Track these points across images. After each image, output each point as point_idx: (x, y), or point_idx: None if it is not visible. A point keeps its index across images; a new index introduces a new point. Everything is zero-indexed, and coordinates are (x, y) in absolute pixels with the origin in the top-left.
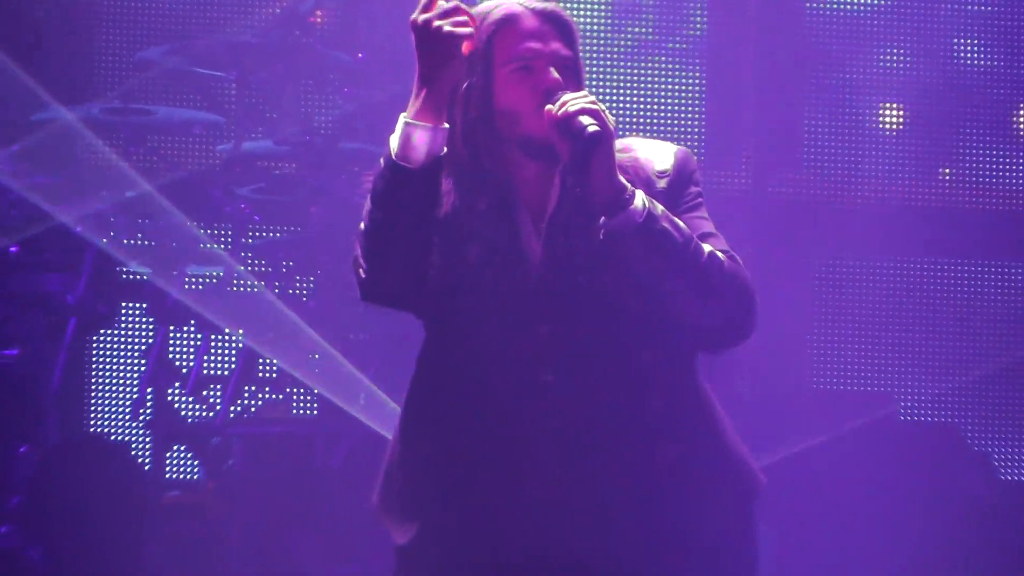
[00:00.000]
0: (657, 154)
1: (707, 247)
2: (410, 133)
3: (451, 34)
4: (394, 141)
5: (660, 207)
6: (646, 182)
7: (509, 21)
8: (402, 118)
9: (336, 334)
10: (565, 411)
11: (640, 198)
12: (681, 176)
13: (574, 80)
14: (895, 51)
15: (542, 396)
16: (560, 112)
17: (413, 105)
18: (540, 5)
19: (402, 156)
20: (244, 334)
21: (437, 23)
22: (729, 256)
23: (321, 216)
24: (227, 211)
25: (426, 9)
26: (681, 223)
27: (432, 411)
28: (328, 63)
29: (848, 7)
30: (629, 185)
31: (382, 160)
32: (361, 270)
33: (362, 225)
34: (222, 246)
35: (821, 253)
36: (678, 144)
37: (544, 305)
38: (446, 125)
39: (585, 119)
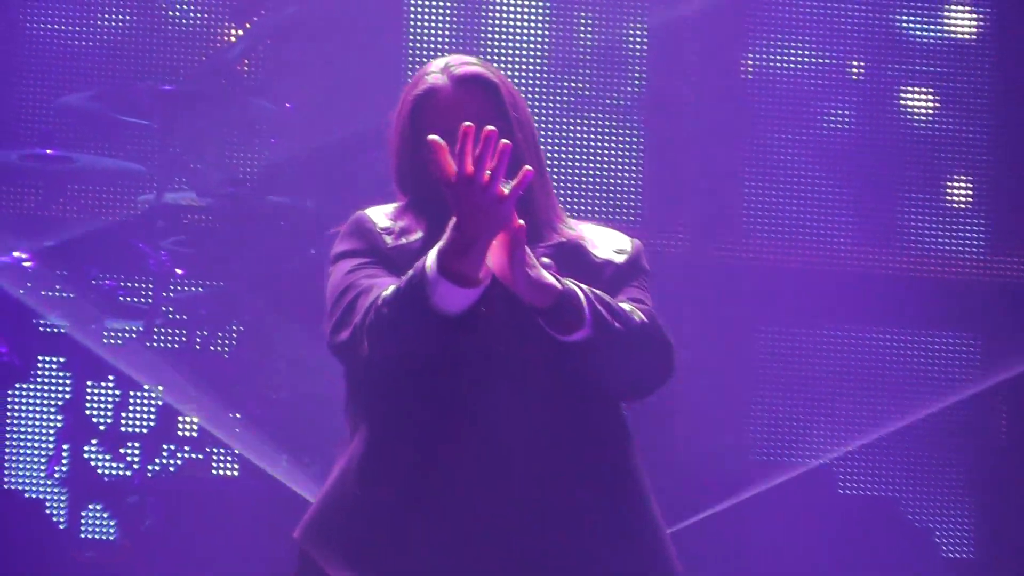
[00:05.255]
0: (613, 236)
1: (637, 314)
2: (454, 294)
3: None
4: (433, 291)
5: (600, 298)
6: (600, 264)
7: (427, 97)
8: (433, 270)
9: (258, 392)
10: (502, 465)
11: (581, 301)
12: (637, 261)
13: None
14: (837, 111)
15: (483, 454)
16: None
17: (452, 258)
18: (461, 70)
19: (440, 309)
20: (163, 390)
21: (491, 187)
22: (649, 314)
23: (244, 270)
24: (148, 264)
25: (471, 163)
26: (613, 303)
27: (391, 457)
28: (255, 112)
29: (790, 66)
30: (568, 284)
31: (408, 284)
32: (365, 345)
33: (372, 315)
34: (142, 300)
35: (760, 318)
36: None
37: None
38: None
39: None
